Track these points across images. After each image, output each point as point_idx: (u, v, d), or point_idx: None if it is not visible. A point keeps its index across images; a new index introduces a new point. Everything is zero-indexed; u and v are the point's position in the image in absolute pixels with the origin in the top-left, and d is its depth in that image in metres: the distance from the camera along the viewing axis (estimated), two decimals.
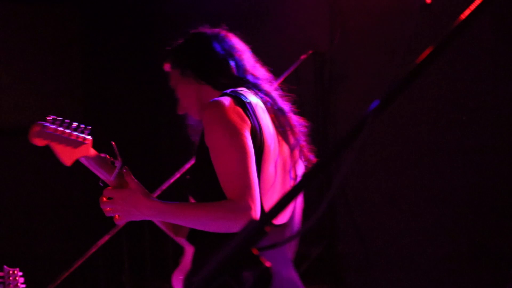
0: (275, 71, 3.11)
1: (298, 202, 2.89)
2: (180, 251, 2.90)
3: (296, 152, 2.84)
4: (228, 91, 2.79)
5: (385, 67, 5.93)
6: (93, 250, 5.88)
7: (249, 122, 2.66)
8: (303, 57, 6.67)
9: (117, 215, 2.67)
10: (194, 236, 2.73)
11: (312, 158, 2.87)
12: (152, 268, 7.07)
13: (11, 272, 3.32)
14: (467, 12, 1.22)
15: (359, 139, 1.24)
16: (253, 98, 2.78)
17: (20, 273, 3.34)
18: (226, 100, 2.69)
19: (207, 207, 2.53)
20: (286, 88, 3.01)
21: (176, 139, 6.44)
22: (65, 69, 7.77)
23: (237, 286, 1.47)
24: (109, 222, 5.44)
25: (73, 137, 2.56)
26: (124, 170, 2.69)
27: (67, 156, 2.56)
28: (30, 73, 7.56)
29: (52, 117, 2.55)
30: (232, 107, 2.66)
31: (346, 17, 6.55)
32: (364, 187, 6.34)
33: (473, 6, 1.23)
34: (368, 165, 6.27)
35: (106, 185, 2.70)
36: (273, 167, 2.72)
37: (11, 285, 3.29)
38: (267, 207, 2.59)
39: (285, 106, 2.91)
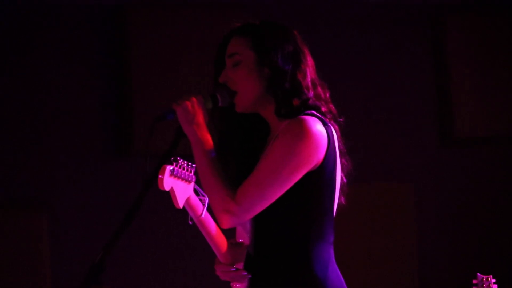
0: None
1: None
2: None
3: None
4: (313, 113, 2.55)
5: None
6: None
7: (321, 157, 2.47)
8: None
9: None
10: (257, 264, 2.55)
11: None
12: None
13: (484, 279, 3.33)
14: None
15: None
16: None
17: (493, 280, 3.33)
18: (317, 125, 2.48)
19: (215, 181, 2.45)
20: None
21: None
22: None
23: None
24: None
25: (188, 178, 2.49)
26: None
27: (181, 198, 2.47)
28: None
29: (174, 157, 2.46)
30: (318, 136, 2.46)
31: None
32: None
33: None
34: None
35: (194, 223, 2.58)
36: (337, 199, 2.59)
37: None
38: (331, 239, 2.52)
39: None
